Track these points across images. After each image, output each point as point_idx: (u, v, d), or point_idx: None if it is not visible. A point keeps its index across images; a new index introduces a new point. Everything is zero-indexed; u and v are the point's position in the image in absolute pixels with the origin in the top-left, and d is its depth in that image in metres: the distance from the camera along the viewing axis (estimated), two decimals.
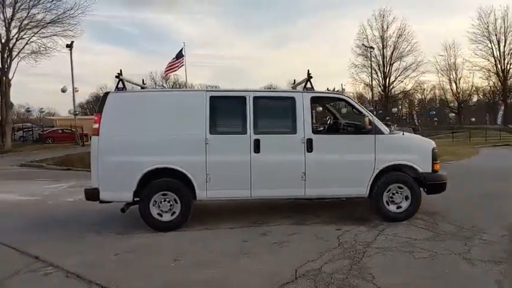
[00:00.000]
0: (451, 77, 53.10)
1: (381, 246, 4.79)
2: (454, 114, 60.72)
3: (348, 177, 5.81)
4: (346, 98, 6.29)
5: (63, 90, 32.22)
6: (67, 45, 29.47)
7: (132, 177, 5.62)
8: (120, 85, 5.84)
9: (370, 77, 50.11)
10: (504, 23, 46.57)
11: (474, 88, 54.67)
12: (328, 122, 6.69)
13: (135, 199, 5.70)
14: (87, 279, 4.02)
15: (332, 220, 6.01)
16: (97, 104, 6.13)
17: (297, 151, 5.74)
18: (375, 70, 52.66)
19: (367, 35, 49.63)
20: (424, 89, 60.39)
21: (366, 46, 46.93)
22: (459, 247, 4.70)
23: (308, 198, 6.12)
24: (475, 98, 62.92)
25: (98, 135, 5.65)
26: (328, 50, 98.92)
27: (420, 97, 67.87)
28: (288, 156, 5.75)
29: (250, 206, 6.92)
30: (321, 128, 6.51)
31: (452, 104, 57.73)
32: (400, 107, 63.26)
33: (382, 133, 5.85)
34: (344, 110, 7.84)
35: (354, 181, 5.82)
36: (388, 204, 5.87)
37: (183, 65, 33.28)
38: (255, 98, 5.82)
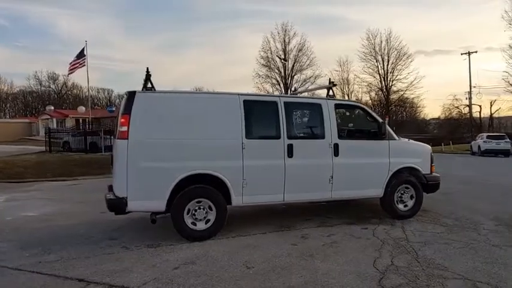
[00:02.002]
0: (344, 90, 59.06)
1: (418, 241, 5.31)
2: None
3: (368, 179, 6.29)
4: (363, 106, 6.81)
5: None
6: None
7: (165, 185, 5.23)
8: (149, 85, 5.40)
9: (272, 88, 52.97)
10: (387, 45, 53.65)
11: (362, 101, 61.65)
12: (348, 128, 7.10)
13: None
14: None
15: (351, 220, 6.40)
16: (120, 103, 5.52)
17: (325, 155, 6.01)
18: (278, 81, 55.86)
19: (270, 47, 52.41)
20: None
21: (280, 58, 49.30)
22: (477, 236, 5.49)
23: (333, 200, 6.42)
24: None
25: (126, 138, 5.13)
26: (223, 58, 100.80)
27: None
28: (317, 161, 5.98)
29: (254, 213, 6.95)
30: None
31: None
32: None
33: (394, 139, 6.49)
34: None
35: (372, 183, 6.32)
36: (397, 203, 6.50)
37: (84, 65, 31.17)
38: (285, 103, 5.93)
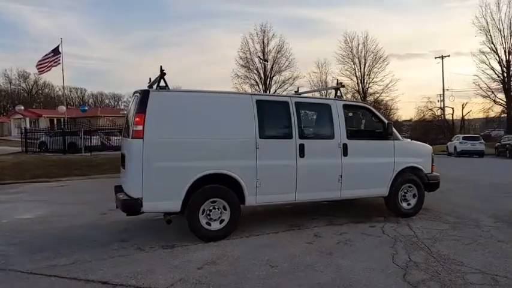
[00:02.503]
0: (322, 92, 59.73)
1: (428, 238, 5.47)
2: None
3: (375, 178, 6.43)
4: (369, 107, 6.94)
5: None
6: None
7: (181, 185, 5.18)
8: (162, 83, 5.32)
9: (251, 89, 53.18)
10: (364, 48, 54.79)
11: None
12: (355, 129, 7.20)
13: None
14: None
15: (357, 219, 6.52)
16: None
17: (335, 155, 6.10)
18: (256, 82, 56.05)
19: (249, 48, 52.55)
20: None
21: (261, 59, 49.51)
22: (481, 233, 5.72)
23: (342, 200, 6.51)
24: None
25: (142, 138, 5.03)
26: (201, 58, 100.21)
27: None
28: (327, 160, 6.06)
29: (263, 213, 6.98)
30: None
31: None
32: None
33: (399, 139, 6.67)
34: None
35: (379, 182, 6.46)
36: (401, 202, 6.68)
37: (59, 63, 30.29)
38: (296, 103, 5.98)
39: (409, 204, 6.73)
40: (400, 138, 6.73)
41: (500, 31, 42.02)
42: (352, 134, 6.30)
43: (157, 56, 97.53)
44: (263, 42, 54.78)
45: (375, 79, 54.39)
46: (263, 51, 54.70)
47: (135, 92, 5.74)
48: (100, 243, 5.43)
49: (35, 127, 39.10)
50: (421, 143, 7.39)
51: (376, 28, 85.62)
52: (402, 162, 6.60)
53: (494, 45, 42.53)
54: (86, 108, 46.34)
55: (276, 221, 6.35)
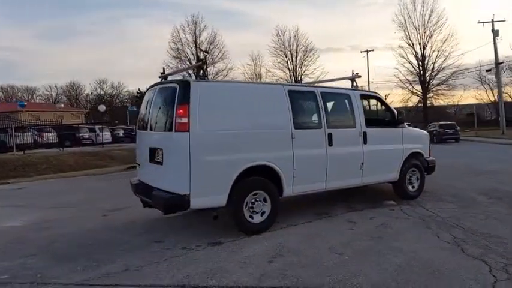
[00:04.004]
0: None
1: (448, 216, 5.91)
2: None
3: (389, 164, 6.78)
4: (380, 97, 7.24)
5: None
6: None
7: (228, 178, 4.99)
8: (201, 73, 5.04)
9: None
10: (296, 41, 56.55)
11: None
12: (371, 117, 7.41)
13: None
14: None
15: (371, 204, 6.81)
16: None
17: (357, 143, 6.32)
18: (189, 74, 54.91)
19: (180, 39, 51.44)
20: None
21: (202, 50, 48.24)
22: (487, 209, 6.31)
23: (362, 186, 6.74)
24: None
25: (187, 131, 4.73)
26: (126, 48, 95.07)
27: None
28: (351, 149, 6.25)
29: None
30: None
31: None
32: None
33: (405, 127, 7.09)
34: None
35: (391, 167, 6.83)
36: (408, 185, 7.14)
37: None
38: (322, 93, 6.06)
39: (413, 187, 7.22)
40: (406, 125, 7.17)
41: (416, 28, 46.36)
42: (369, 123, 6.55)
43: (74, 45, 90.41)
44: (195, 33, 53.72)
45: (306, 71, 56.55)
46: (195, 42, 53.78)
47: (162, 83, 5.37)
48: (134, 246, 5.02)
49: None
50: (420, 129, 7.93)
51: (303, 23, 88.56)
52: (409, 148, 7.04)
53: (411, 41, 46.83)
54: (25, 103, 41.70)
55: (301, 211, 6.38)
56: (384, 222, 5.72)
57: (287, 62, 57.28)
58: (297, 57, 57.28)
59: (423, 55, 47.26)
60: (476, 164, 12.65)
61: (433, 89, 47.07)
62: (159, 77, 6.02)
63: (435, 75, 46.77)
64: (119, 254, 4.72)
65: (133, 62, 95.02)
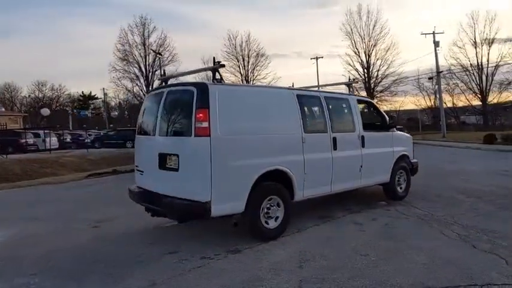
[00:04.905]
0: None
1: (443, 214, 6.24)
2: None
3: (383, 166, 7.04)
4: (373, 103, 7.50)
5: None
6: None
7: (247, 184, 4.88)
8: (217, 76, 4.89)
9: (132, 83, 51.16)
10: (247, 46, 56.97)
11: None
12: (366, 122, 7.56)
13: None
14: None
15: (366, 206, 6.99)
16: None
17: (356, 147, 6.50)
18: (137, 76, 53.29)
19: (128, 40, 49.92)
20: None
21: (155, 52, 47.31)
22: (471, 207, 6.77)
23: (361, 188, 6.90)
24: None
25: (208, 136, 4.56)
26: (67, 49, 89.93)
27: None
28: (352, 152, 6.41)
29: None
30: None
31: None
32: None
33: (394, 131, 7.41)
34: None
35: (384, 169, 7.10)
36: (397, 186, 7.46)
37: None
38: (325, 97, 6.16)
39: (401, 188, 7.56)
40: (395, 129, 7.50)
41: (361, 37, 48.77)
42: (365, 127, 6.76)
43: (8, 44, 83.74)
44: (143, 35, 52.31)
45: (258, 76, 57.14)
46: (144, 44, 52.30)
47: (171, 86, 5.13)
48: (148, 258, 4.71)
49: None
50: (404, 133, 8.33)
51: (243, 27, 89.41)
52: (398, 151, 7.38)
53: (357, 49, 49.21)
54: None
55: (304, 215, 6.35)
56: (388, 223, 5.92)
57: (239, 67, 57.45)
58: (249, 62, 57.72)
59: (368, 63, 49.81)
60: (438, 165, 13.49)
61: (377, 95, 49.70)
62: (159, 79, 5.77)
63: (379, 82, 49.47)
64: (134, 267, 4.42)
65: (76, 64, 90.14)
